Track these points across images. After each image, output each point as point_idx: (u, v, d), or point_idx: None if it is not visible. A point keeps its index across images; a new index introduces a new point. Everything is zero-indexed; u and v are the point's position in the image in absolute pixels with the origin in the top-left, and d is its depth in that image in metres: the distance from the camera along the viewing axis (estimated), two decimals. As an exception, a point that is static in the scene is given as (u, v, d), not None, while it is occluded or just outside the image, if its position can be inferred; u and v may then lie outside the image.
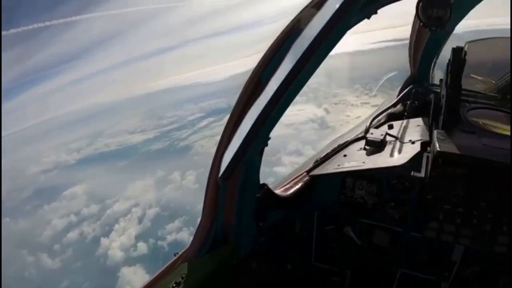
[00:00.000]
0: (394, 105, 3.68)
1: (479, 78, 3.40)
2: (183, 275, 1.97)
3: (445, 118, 2.54)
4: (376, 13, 1.99)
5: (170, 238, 25.21)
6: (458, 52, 2.40)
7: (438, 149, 2.15)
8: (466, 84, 3.07)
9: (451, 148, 2.17)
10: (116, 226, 27.47)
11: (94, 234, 27.49)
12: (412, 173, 2.36)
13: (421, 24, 1.99)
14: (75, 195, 32.56)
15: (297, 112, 35.03)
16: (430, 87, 3.62)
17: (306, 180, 2.75)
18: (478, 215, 2.25)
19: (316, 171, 2.75)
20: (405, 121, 3.16)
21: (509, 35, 3.04)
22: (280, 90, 1.66)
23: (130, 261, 24.21)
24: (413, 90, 3.53)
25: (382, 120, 3.39)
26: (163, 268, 2.12)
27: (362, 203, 2.69)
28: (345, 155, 2.84)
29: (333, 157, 2.86)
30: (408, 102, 3.46)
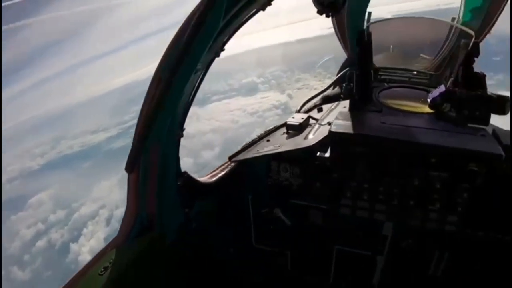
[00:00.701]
0: (329, 88, 3.79)
1: (428, 57, 3.51)
2: (111, 260, 2.02)
3: (354, 99, 2.60)
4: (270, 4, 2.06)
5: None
6: (361, 34, 2.49)
7: (331, 129, 2.23)
8: (415, 64, 3.36)
9: (345, 128, 2.24)
10: (85, 230, 27.02)
11: (62, 240, 26.92)
12: (318, 154, 2.40)
13: (317, 12, 1.99)
14: (41, 202, 31.64)
15: (260, 100, 35.03)
16: None
17: (232, 166, 2.82)
18: (384, 190, 2.34)
19: (237, 157, 2.81)
20: (335, 103, 3.23)
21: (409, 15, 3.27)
22: (165, 81, 1.76)
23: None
24: (348, 72, 3.47)
25: (318, 103, 3.50)
26: (94, 255, 2.14)
27: (288, 185, 2.75)
28: (268, 140, 2.91)
29: (258, 142, 2.93)
30: (344, 85, 3.45)
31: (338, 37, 4.33)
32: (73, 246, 25.92)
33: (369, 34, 2.55)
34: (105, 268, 1.97)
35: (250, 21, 2.12)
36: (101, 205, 28.86)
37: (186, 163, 30.60)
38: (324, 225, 2.83)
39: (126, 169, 1.94)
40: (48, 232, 28.12)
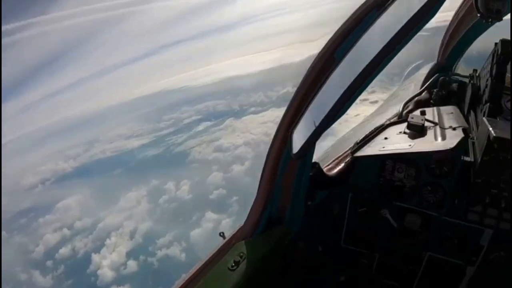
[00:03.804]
0: (421, 93, 3.70)
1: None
2: (241, 254, 2.02)
3: (490, 108, 2.49)
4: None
5: (160, 253, 24.74)
6: (505, 44, 2.39)
7: (495, 135, 2.10)
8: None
9: (505, 134, 2.13)
10: (108, 241, 26.81)
11: (85, 249, 26.86)
12: (462, 158, 2.34)
13: (479, 15, 2.14)
14: (69, 207, 32.55)
15: None
16: (454, 76, 3.71)
17: (348, 160, 2.74)
18: None
19: (361, 152, 2.69)
20: (435, 108, 3.16)
21: None
22: (367, 71, 1.65)
23: (119, 281, 23.89)
24: (440, 78, 3.55)
25: (410, 107, 3.39)
26: (217, 248, 2.11)
27: (400, 186, 2.71)
28: (385, 138, 2.83)
29: (374, 139, 2.83)
30: (435, 90, 3.52)
31: (443, 41, 4.10)
32: (95, 257, 25.70)
33: None
34: (236, 263, 1.97)
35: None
36: (127, 217, 28.71)
37: (216, 177, 30.33)
38: (420, 231, 2.71)
39: (297, 155, 1.93)
40: (73, 239, 28.05)
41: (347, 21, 1.67)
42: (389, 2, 1.60)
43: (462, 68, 4.05)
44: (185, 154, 34.62)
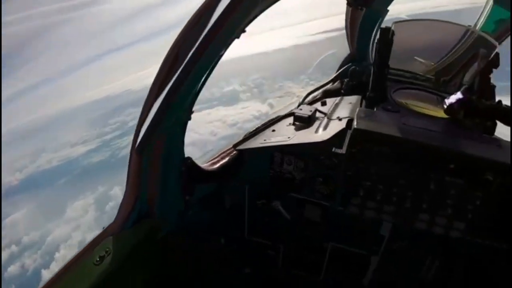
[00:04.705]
0: (330, 82, 3.82)
1: (422, 60, 3.45)
2: (107, 249, 1.95)
3: (370, 97, 2.61)
4: None
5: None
6: (385, 32, 2.44)
7: (356, 127, 2.17)
8: (408, 66, 3.36)
9: (369, 126, 2.19)
10: (57, 254, 26.05)
11: (35, 265, 26.03)
12: (333, 149, 2.35)
13: (347, 3, 2.26)
14: (16, 222, 31.13)
15: (241, 110, 35.01)
16: (368, 66, 3.65)
17: (234, 154, 2.76)
18: (398, 192, 2.30)
19: (243, 145, 2.73)
20: (339, 98, 3.24)
21: (438, 18, 3.22)
22: (190, 62, 1.69)
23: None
24: (351, 68, 3.59)
25: (318, 97, 3.54)
26: (88, 243, 2.04)
27: (291, 178, 2.69)
28: (273, 130, 2.86)
29: (262, 132, 2.87)
30: (345, 80, 3.54)
31: (347, 32, 4.25)
32: (45, 273, 24.99)
33: (393, 33, 2.47)
34: (101, 258, 1.90)
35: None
36: (75, 227, 28.03)
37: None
38: (321, 221, 2.79)
39: (137, 149, 1.90)
40: (22, 255, 27.19)
41: (188, 20, 1.71)
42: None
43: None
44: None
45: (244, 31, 2.04)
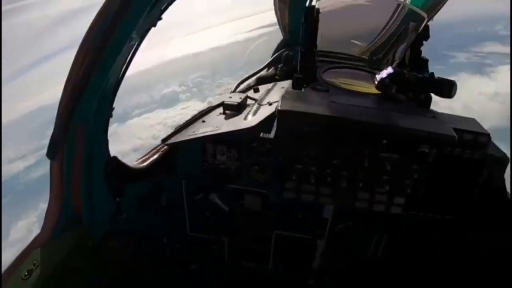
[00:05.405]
0: (264, 69, 3.77)
1: (358, 43, 3.47)
2: (35, 262, 1.86)
3: (298, 78, 2.55)
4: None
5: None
6: (310, 11, 2.38)
7: (279, 108, 2.10)
8: (346, 49, 3.32)
9: (294, 106, 2.12)
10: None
11: None
12: (261, 135, 2.29)
13: None
14: None
15: (181, 111, 34.41)
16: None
17: (165, 150, 2.67)
18: (332, 173, 2.26)
19: (171, 140, 2.65)
20: (271, 84, 3.19)
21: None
22: (96, 52, 1.61)
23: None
24: (284, 53, 3.54)
25: (252, 84, 3.48)
26: (16, 257, 1.94)
27: (225, 168, 2.64)
28: (203, 121, 2.78)
29: (192, 124, 2.79)
30: (279, 66, 3.47)
31: (277, 17, 4.18)
32: None
33: (317, 11, 2.42)
34: (29, 271, 1.81)
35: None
36: (20, 249, 27.06)
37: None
38: (262, 210, 2.76)
39: (48, 155, 1.80)
40: None
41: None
42: None
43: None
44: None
45: (160, 18, 1.98)
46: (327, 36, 2.84)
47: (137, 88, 38.30)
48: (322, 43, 2.91)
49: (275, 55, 3.93)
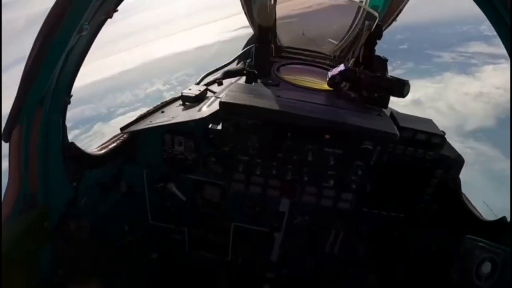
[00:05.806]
0: (232, 63, 3.80)
1: (335, 42, 3.55)
2: None
3: (250, 72, 2.64)
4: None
5: None
6: (263, 7, 2.48)
7: (222, 100, 2.12)
8: (319, 47, 3.44)
9: (236, 98, 2.15)
10: None
11: None
12: (210, 126, 2.30)
13: None
14: None
15: None
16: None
17: (124, 138, 2.63)
18: (277, 166, 2.28)
19: (130, 128, 2.62)
20: (236, 78, 3.23)
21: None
22: (47, 39, 1.60)
23: None
24: (253, 48, 3.45)
25: (219, 78, 3.49)
26: None
27: (183, 159, 2.62)
28: (162, 112, 2.78)
29: (152, 114, 2.80)
30: (248, 61, 3.50)
31: (245, 13, 4.21)
32: None
33: (272, 7, 2.48)
34: None
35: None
36: None
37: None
38: (221, 201, 2.74)
39: (3, 137, 1.80)
40: None
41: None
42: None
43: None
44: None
45: (116, 10, 1.97)
46: (306, 34, 2.99)
47: (122, 87, 38.12)
48: (300, 41, 3.07)
49: (244, 50, 3.94)
